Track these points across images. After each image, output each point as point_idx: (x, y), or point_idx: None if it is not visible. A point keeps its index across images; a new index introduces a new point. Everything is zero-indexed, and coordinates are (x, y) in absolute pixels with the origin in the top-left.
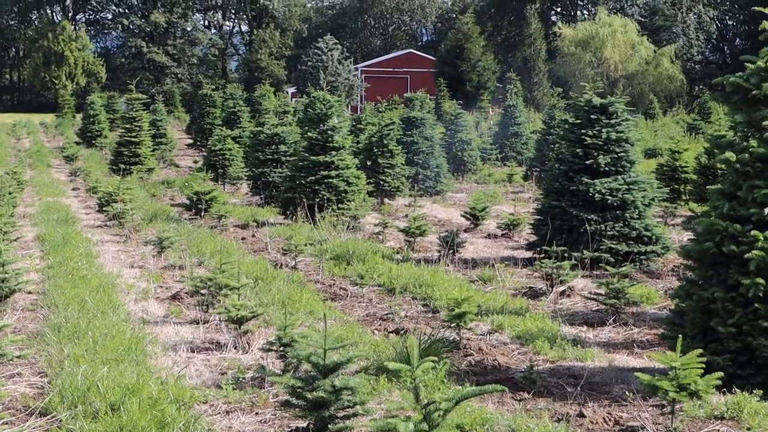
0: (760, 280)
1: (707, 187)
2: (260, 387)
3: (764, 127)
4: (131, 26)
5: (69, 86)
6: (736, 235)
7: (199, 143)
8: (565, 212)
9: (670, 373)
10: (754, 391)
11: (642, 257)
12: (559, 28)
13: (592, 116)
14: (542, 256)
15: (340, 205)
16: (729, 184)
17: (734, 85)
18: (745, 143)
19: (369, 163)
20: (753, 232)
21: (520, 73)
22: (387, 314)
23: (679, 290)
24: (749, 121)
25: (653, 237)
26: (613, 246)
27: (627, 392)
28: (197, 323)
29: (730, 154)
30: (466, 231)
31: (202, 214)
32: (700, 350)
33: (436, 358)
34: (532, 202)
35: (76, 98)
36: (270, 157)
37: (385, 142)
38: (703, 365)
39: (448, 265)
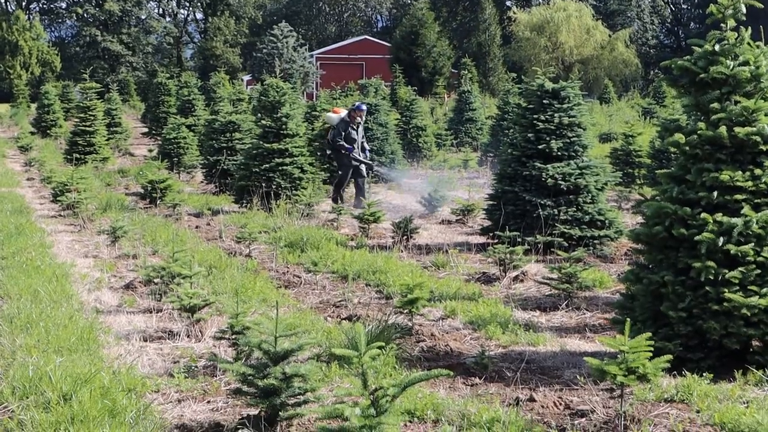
0: (710, 264)
1: (656, 171)
2: (212, 375)
3: (712, 110)
4: (85, 15)
5: (23, 76)
6: (686, 218)
7: (154, 132)
8: (518, 197)
9: (618, 357)
10: (705, 374)
11: (595, 241)
12: (514, 13)
13: (544, 101)
14: (496, 241)
15: (294, 193)
16: (678, 168)
17: (682, 69)
18: (694, 126)
19: (326, 151)
20: (702, 215)
21: (475, 59)
22: (340, 301)
23: (630, 274)
24: (697, 104)
25: (606, 221)
26: (566, 231)
27: (578, 376)
28: (150, 312)
29: (679, 137)
30: (420, 217)
31: (157, 202)
32: (649, 334)
33: (384, 344)
34: (487, 187)
35: (31, 88)
36: (225, 145)
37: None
38: (652, 349)
39: (402, 252)
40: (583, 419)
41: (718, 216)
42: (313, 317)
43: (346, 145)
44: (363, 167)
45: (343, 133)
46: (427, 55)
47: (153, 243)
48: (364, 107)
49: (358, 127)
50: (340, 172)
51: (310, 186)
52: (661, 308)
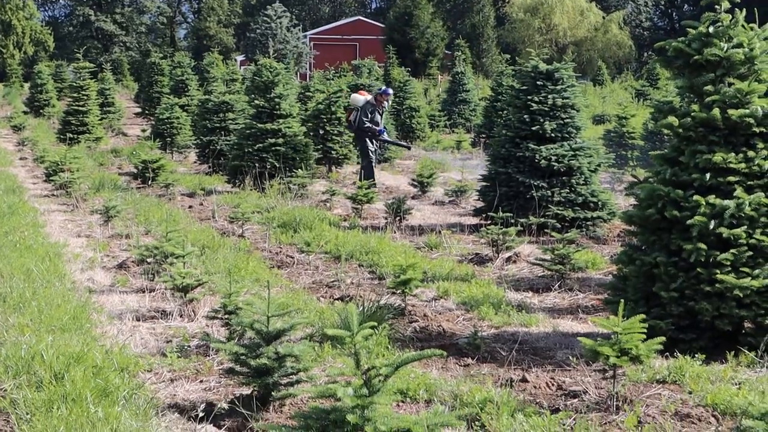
0: (702, 245)
1: (650, 153)
2: (205, 355)
3: (706, 92)
4: None
5: (17, 55)
6: (679, 200)
7: (147, 112)
8: (512, 178)
9: (611, 338)
10: (697, 355)
11: (588, 223)
12: None
13: (538, 82)
14: (489, 222)
15: (287, 173)
16: (671, 150)
17: (676, 50)
18: (687, 108)
19: (319, 131)
20: (695, 197)
21: (469, 40)
22: (333, 281)
23: (622, 255)
24: (691, 86)
25: (599, 203)
26: (559, 212)
27: (571, 357)
28: (143, 292)
29: (672, 119)
30: (413, 198)
31: (150, 182)
32: (642, 315)
33: (376, 324)
34: (480, 168)
35: (24, 67)
36: (218, 125)
37: (333, 109)
38: (645, 330)
39: (395, 232)
40: (576, 400)
41: (711, 198)
42: (305, 297)
43: (375, 127)
44: (374, 157)
45: (370, 116)
46: (420, 36)
47: (146, 223)
48: (391, 91)
49: (383, 111)
50: (363, 161)
51: (303, 166)
52: (653, 288)
